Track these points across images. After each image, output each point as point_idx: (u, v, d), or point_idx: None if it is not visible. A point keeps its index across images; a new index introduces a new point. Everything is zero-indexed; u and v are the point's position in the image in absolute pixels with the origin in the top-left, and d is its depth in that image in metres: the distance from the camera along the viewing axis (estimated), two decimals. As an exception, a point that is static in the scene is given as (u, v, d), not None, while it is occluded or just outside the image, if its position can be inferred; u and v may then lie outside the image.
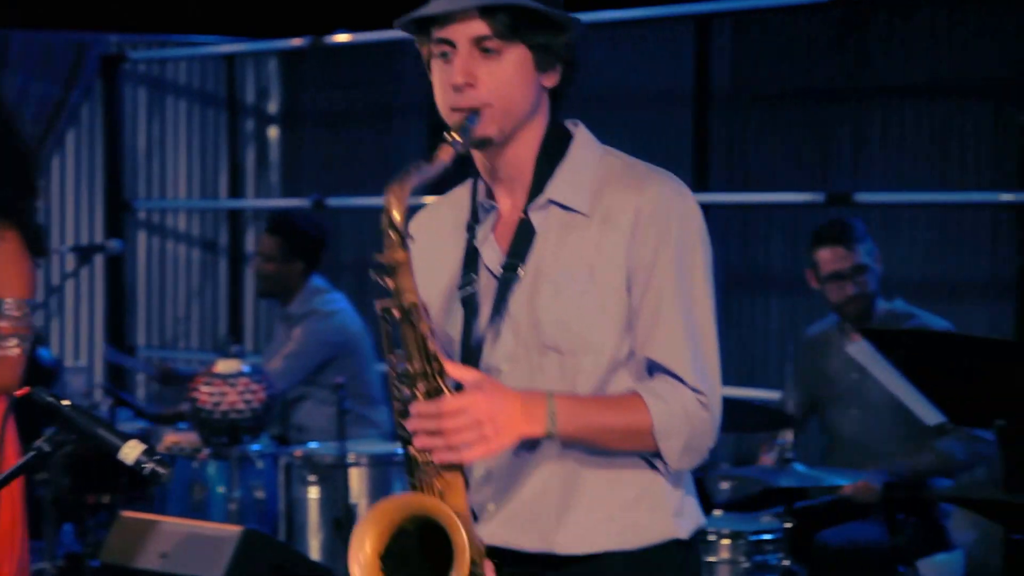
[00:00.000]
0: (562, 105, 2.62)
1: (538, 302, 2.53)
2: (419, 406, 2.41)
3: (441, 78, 2.54)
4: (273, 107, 8.52)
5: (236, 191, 8.40)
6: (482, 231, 2.62)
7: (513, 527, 2.55)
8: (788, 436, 4.81)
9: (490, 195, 2.64)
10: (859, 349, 4.24)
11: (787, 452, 4.79)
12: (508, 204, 2.61)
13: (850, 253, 5.11)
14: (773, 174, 6.63)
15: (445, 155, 2.46)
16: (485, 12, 2.50)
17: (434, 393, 2.43)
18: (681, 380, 2.49)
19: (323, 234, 6.31)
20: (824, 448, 5.36)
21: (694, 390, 2.49)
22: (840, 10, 6.45)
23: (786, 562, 4.67)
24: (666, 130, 6.78)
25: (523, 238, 2.56)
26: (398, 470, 5.50)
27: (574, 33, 2.56)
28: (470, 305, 2.58)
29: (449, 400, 2.40)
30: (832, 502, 5.00)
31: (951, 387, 4.03)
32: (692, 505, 2.60)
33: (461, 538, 2.38)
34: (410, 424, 2.41)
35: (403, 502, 2.45)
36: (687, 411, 2.48)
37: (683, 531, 2.56)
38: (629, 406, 2.48)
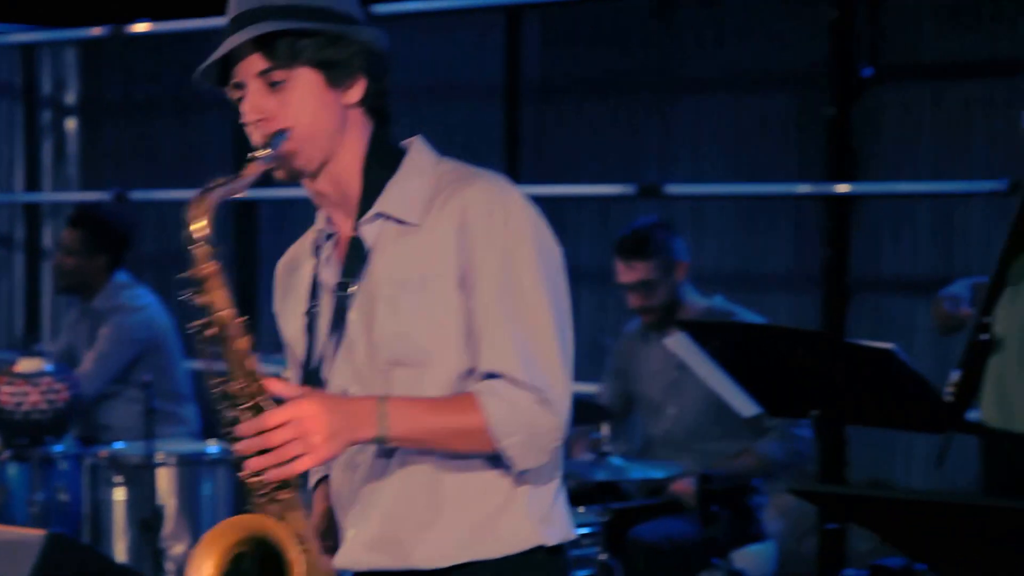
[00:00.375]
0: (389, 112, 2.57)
1: (375, 318, 2.50)
2: (242, 426, 2.37)
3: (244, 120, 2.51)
4: (71, 98, 8.30)
5: (33, 184, 8.18)
6: (325, 254, 2.59)
7: (374, 548, 2.52)
8: (604, 430, 4.82)
9: (332, 220, 2.61)
10: (677, 342, 4.27)
11: (603, 446, 4.81)
12: (346, 225, 2.57)
13: (639, 267, 5.15)
14: (584, 166, 6.66)
15: (252, 171, 2.44)
16: (262, 45, 2.45)
17: (257, 411, 2.39)
18: (516, 380, 2.45)
19: (129, 228, 6.16)
20: (641, 442, 5.39)
21: (532, 388, 2.45)
22: (648, 3, 6.49)
23: (602, 556, 4.69)
24: (477, 123, 6.77)
25: (355, 255, 2.53)
26: (207, 469, 5.41)
27: (370, 40, 2.51)
28: (310, 329, 2.56)
29: (270, 415, 2.36)
30: (650, 496, 5.04)
31: (768, 378, 4.09)
32: (561, 513, 2.58)
33: (296, 558, 2.34)
34: (238, 447, 2.37)
35: (240, 523, 2.40)
36: (523, 409, 2.44)
37: (550, 538, 2.54)
38: (463, 406, 2.45)
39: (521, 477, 2.50)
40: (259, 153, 2.45)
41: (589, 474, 4.80)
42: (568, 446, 5.28)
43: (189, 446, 5.58)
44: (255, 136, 2.49)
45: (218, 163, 6.90)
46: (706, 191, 6.34)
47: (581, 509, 4.83)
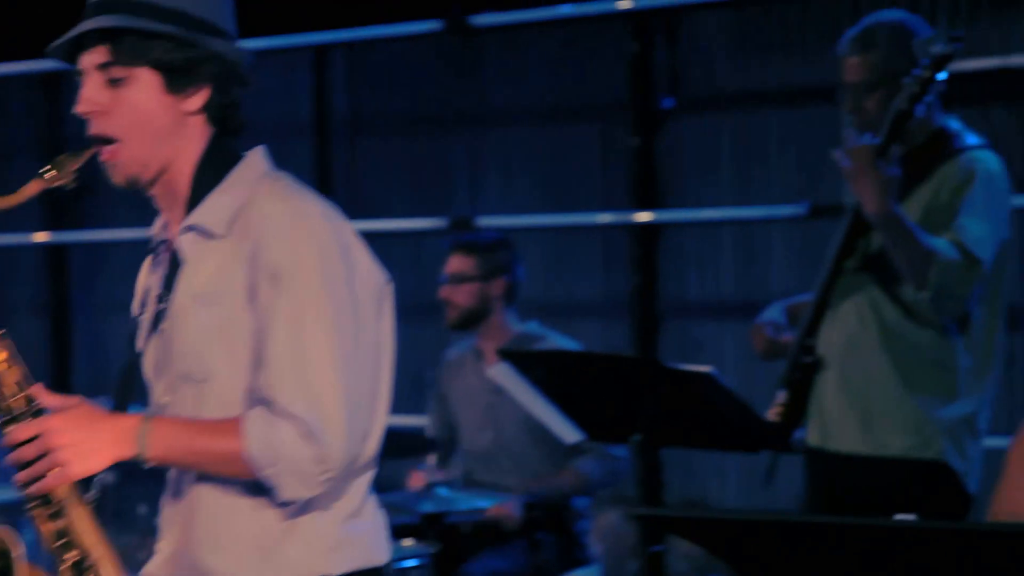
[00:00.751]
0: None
1: (176, 331, 2.48)
2: (3, 440, 2.37)
3: None
4: None
5: None
6: (158, 261, 2.58)
7: (171, 564, 2.51)
8: (431, 460, 4.87)
9: (168, 226, 2.58)
10: (499, 371, 4.32)
11: (431, 477, 4.84)
12: (175, 232, 2.54)
13: (460, 260, 5.21)
14: (395, 201, 6.71)
15: (31, 189, 2.41)
16: (109, 38, 2.43)
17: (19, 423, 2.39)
18: (283, 409, 2.38)
19: None
20: (464, 470, 5.44)
21: (297, 419, 2.37)
22: (453, 39, 6.58)
23: (433, 588, 4.71)
24: (287, 160, 6.68)
25: (172, 267, 2.51)
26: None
27: (222, 52, 2.47)
28: (131, 341, 2.55)
29: (18, 428, 2.35)
30: (475, 525, 5.08)
31: (589, 404, 4.13)
32: (357, 541, 2.52)
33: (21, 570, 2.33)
34: (6, 461, 2.37)
35: None
36: (284, 440, 2.37)
37: (336, 567, 2.49)
38: (227, 431, 2.39)
39: (306, 504, 2.45)
40: (47, 175, 2.42)
41: (416, 505, 4.82)
42: (399, 478, 5.31)
43: None
44: (90, 127, 2.46)
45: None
46: (516, 222, 6.43)
47: (408, 542, 4.85)
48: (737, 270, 6.22)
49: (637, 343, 6.30)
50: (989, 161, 3.93)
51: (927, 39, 3.87)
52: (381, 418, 2.50)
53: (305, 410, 2.36)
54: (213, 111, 2.49)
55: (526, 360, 4.29)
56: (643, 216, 6.21)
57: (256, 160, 2.55)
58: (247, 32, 6.61)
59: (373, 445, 2.49)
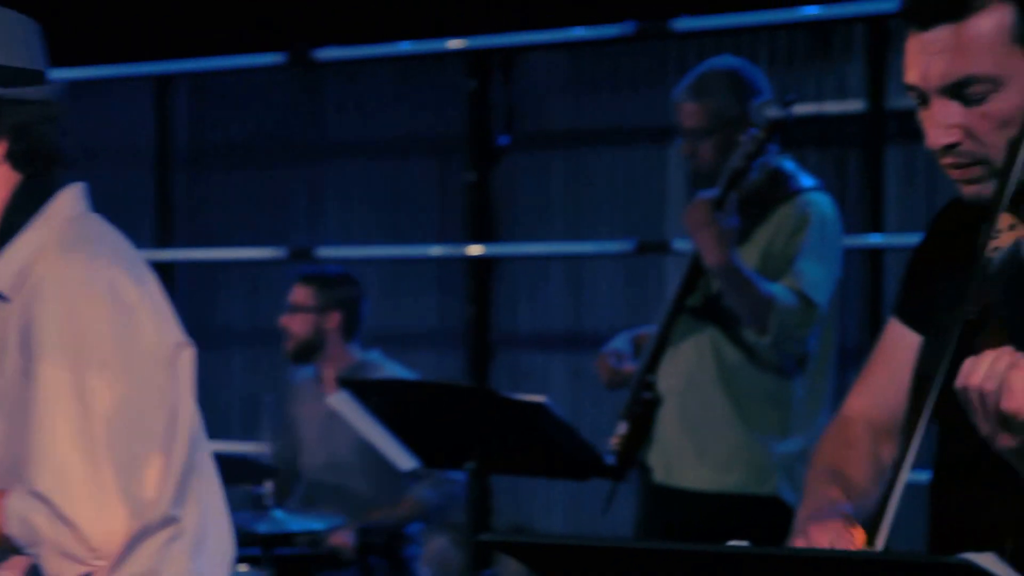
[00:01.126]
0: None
1: None
2: None
3: None
4: None
5: None
6: None
7: None
8: (268, 486, 4.91)
9: None
10: (338, 400, 4.37)
11: (267, 500, 4.89)
12: None
13: (301, 292, 5.30)
14: (235, 231, 6.74)
15: None
16: None
17: None
18: (36, 488, 2.26)
19: None
20: (302, 494, 5.49)
21: (48, 499, 2.26)
22: (295, 72, 6.66)
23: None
24: (128, 189, 6.76)
25: None
26: None
27: (21, 93, 2.35)
28: None
29: None
30: (310, 550, 5.13)
31: (425, 432, 4.24)
32: None
33: None
34: None
35: None
36: (40, 522, 2.27)
37: None
38: None
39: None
40: None
41: (251, 527, 4.84)
42: (233, 504, 5.34)
43: None
44: None
45: None
46: (355, 253, 6.49)
47: (243, 567, 4.89)
48: (566, 303, 6.33)
49: (470, 373, 6.39)
50: (823, 204, 4.06)
51: (763, 103, 4.00)
52: (173, 480, 2.35)
53: (53, 490, 2.25)
54: (16, 159, 2.36)
55: (364, 389, 4.37)
56: (477, 249, 6.31)
57: (64, 203, 2.40)
58: (88, 60, 6.65)
59: (163, 508, 2.34)
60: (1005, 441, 1.82)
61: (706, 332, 4.09)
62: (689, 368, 4.11)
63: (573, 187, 6.31)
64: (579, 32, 6.05)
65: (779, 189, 4.06)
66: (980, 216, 2.10)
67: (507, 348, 6.44)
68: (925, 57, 2.08)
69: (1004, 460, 1.93)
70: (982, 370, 1.82)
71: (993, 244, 1.99)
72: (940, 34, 2.07)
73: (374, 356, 5.38)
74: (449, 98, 6.46)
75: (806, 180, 4.12)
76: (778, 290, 3.92)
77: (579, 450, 4.08)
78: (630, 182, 6.17)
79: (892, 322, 2.35)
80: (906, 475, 1.97)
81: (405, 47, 6.35)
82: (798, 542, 2.05)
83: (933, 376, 1.99)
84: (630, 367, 4.22)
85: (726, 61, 4.27)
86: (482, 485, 6.10)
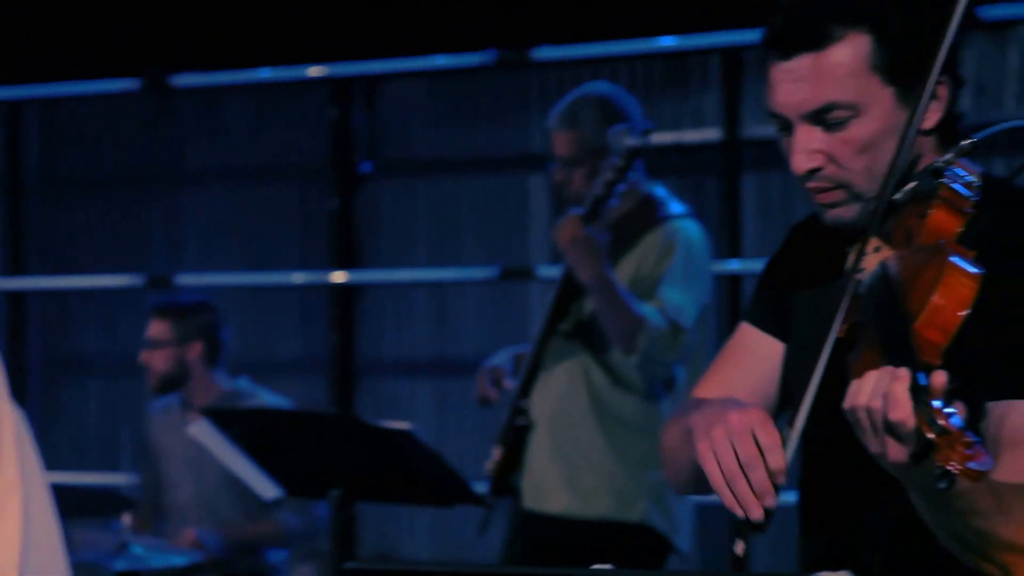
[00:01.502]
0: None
1: None
2: None
3: None
4: None
5: None
6: None
7: None
8: (126, 519, 4.84)
9: None
10: (199, 429, 4.34)
11: (124, 535, 4.82)
12: None
13: (157, 326, 5.23)
14: (92, 259, 6.65)
15: None
16: None
17: None
18: None
19: None
20: (170, 527, 5.42)
21: None
22: (152, 99, 6.58)
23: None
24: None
25: None
26: None
27: None
28: None
29: None
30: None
31: (289, 460, 4.22)
32: None
33: None
34: None
35: None
36: None
37: None
38: None
39: None
40: None
41: (109, 564, 4.78)
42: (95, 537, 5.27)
43: None
44: None
45: None
46: (215, 281, 6.44)
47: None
48: (431, 330, 6.33)
49: (335, 400, 6.37)
50: (690, 231, 4.13)
51: (620, 131, 4.05)
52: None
53: None
54: None
55: (226, 418, 4.34)
56: (340, 276, 6.28)
57: None
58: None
59: None
60: (895, 454, 1.85)
61: (577, 358, 4.15)
62: (560, 394, 4.16)
63: (437, 214, 6.32)
64: (440, 60, 6.07)
65: (648, 216, 4.13)
66: (837, 234, 2.19)
67: (372, 375, 6.43)
68: (788, 85, 2.14)
69: (872, 475, 1.98)
70: (867, 389, 1.86)
71: (861, 265, 2.05)
72: (801, 63, 2.12)
73: (243, 384, 5.32)
74: (310, 125, 6.43)
75: (676, 207, 4.18)
76: (649, 311, 3.98)
77: (445, 477, 4.10)
78: (493, 209, 6.21)
79: (744, 326, 2.39)
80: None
81: (265, 74, 6.32)
82: (718, 430, 2.03)
83: (803, 394, 2.04)
84: (509, 384, 4.25)
85: (598, 88, 4.33)
86: (348, 512, 6.17)
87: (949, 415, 1.77)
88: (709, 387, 2.38)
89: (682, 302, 4.04)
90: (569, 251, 3.98)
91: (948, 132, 2.17)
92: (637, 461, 4.13)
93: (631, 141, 4.03)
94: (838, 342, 2.03)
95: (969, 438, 1.76)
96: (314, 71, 6.23)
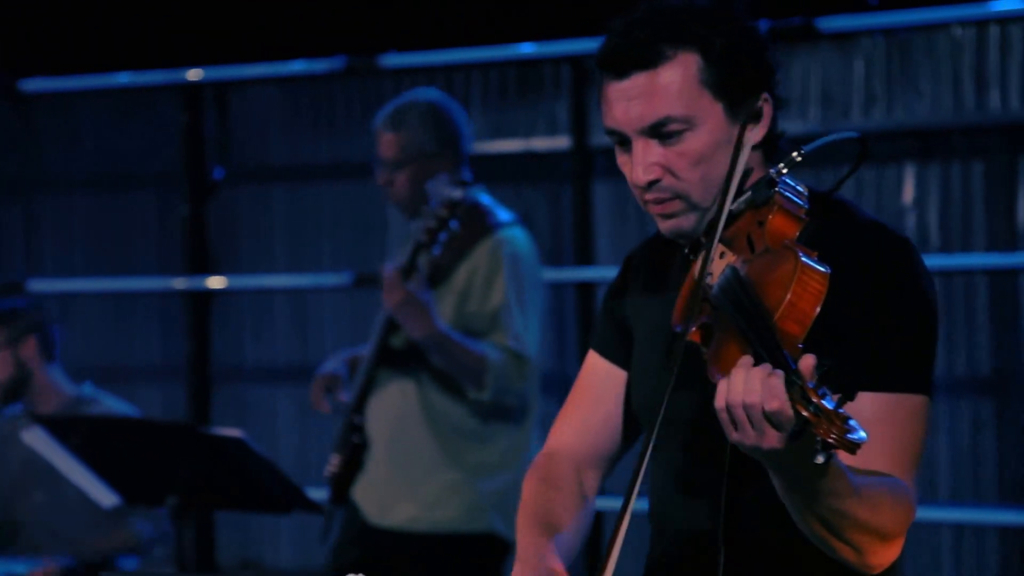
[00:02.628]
0: None
1: None
2: None
3: None
4: None
5: None
6: None
7: None
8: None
9: None
10: (34, 436, 4.30)
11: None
12: None
13: None
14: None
15: None
16: None
17: None
18: None
19: None
20: (9, 535, 5.36)
21: None
22: (4, 105, 6.52)
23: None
24: None
25: None
26: None
27: None
28: None
29: None
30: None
31: (126, 468, 4.20)
32: None
33: None
34: None
35: None
36: None
37: None
38: None
39: None
40: None
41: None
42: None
43: None
44: None
45: None
46: (70, 287, 6.40)
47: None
48: (291, 336, 6.32)
49: (192, 407, 6.34)
50: (517, 241, 4.13)
51: (442, 181, 4.01)
52: None
53: None
54: None
55: (60, 425, 4.30)
56: (195, 282, 6.26)
57: None
58: None
59: None
60: (771, 441, 1.94)
61: (410, 373, 4.15)
62: (395, 410, 4.17)
63: (294, 220, 6.30)
64: (291, 67, 6.04)
65: (477, 224, 4.12)
66: (670, 253, 2.35)
67: (232, 382, 6.40)
68: (624, 103, 2.26)
69: (718, 473, 2.17)
70: (739, 385, 1.96)
71: (709, 270, 2.17)
72: (636, 81, 2.25)
73: (88, 391, 5.28)
74: (166, 131, 6.39)
75: (503, 214, 4.18)
76: (488, 348, 4.01)
77: (278, 484, 4.07)
78: (350, 215, 6.20)
79: (591, 354, 2.52)
80: (631, 507, 2.14)
81: (120, 79, 6.26)
82: None
83: (658, 405, 2.16)
84: (344, 396, 4.25)
85: (427, 94, 4.30)
86: (204, 519, 6.14)
87: (822, 395, 1.89)
88: (568, 423, 2.50)
89: (521, 329, 4.06)
90: (398, 314, 3.99)
91: (772, 147, 2.32)
92: (478, 470, 4.14)
93: (453, 193, 3.99)
94: (692, 349, 2.15)
95: (844, 413, 1.87)
96: (167, 76, 6.19)
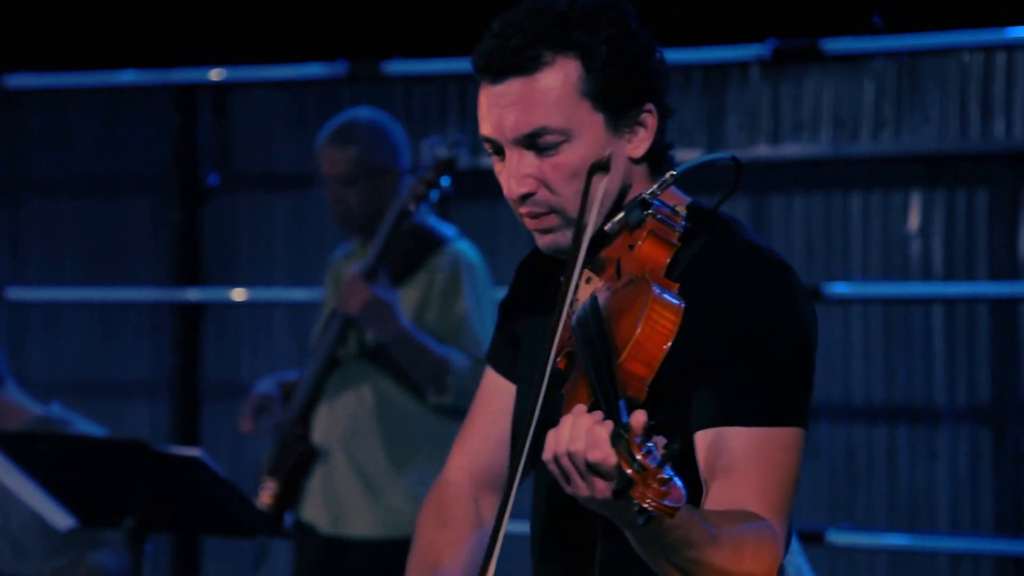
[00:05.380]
0: None
1: None
2: None
3: None
4: None
5: None
6: None
7: None
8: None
9: None
10: (-14, 457, 4.13)
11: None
12: None
13: None
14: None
15: None
16: None
17: None
18: None
19: None
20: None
21: None
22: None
23: None
24: None
25: None
26: None
27: None
28: None
29: None
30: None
31: (80, 489, 4.06)
32: None
33: None
34: None
35: None
36: None
37: None
38: None
39: None
40: None
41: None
42: None
43: None
44: None
45: None
46: (56, 296, 6.27)
47: None
48: (290, 351, 6.09)
49: (177, 426, 6.17)
50: (469, 253, 4.21)
51: (433, 144, 4.12)
52: None
53: None
54: None
55: (11, 443, 4.13)
56: (186, 294, 6.12)
57: None
58: None
59: None
60: (601, 491, 1.87)
61: (367, 380, 4.21)
62: (352, 418, 4.22)
63: (295, 229, 6.13)
64: (293, 71, 5.99)
65: (425, 239, 4.20)
66: (557, 266, 2.22)
67: (226, 399, 6.20)
68: (498, 110, 2.16)
69: (590, 516, 2.03)
70: (565, 435, 1.88)
71: (573, 296, 2.08)
72: (511, 87, 2.15)
73: (55, 411, 5.09)
74: (161, 134, 6.24)
75: (447, 229, 4.27)
76: (453, 352, 4.10)
77: (241, 506, 3.95)
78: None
79: (488, 370, 2.47)
80: (503, 531, 2.07)
81: (115, 78, 6.12)
82: None
83: (526, 429, 2.05)
84: (276, 414, 4.29)
85: (367, 112, 4.37)
86: (189, 543, 5.98)
87: (648, 452, 1.81)
88: (465, 444, 2.48)
89: (480, 333, 4.12)
90: (364, 315, 4.05)
91: (658, 161, 2.21)
92: (434, 474, 3.98)
93: (442, 152, 4.08)
94: (558, 376, 2.07)
95: (665, 475, 1.80)
96: (158, 77, 6.07)
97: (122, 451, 4.07)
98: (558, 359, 2.07)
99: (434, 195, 4.08)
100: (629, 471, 1.80)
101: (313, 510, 4.24)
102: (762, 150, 5.42)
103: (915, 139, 5.31)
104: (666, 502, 1.79)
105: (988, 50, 5.20)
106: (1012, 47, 5.17)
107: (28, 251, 6.42)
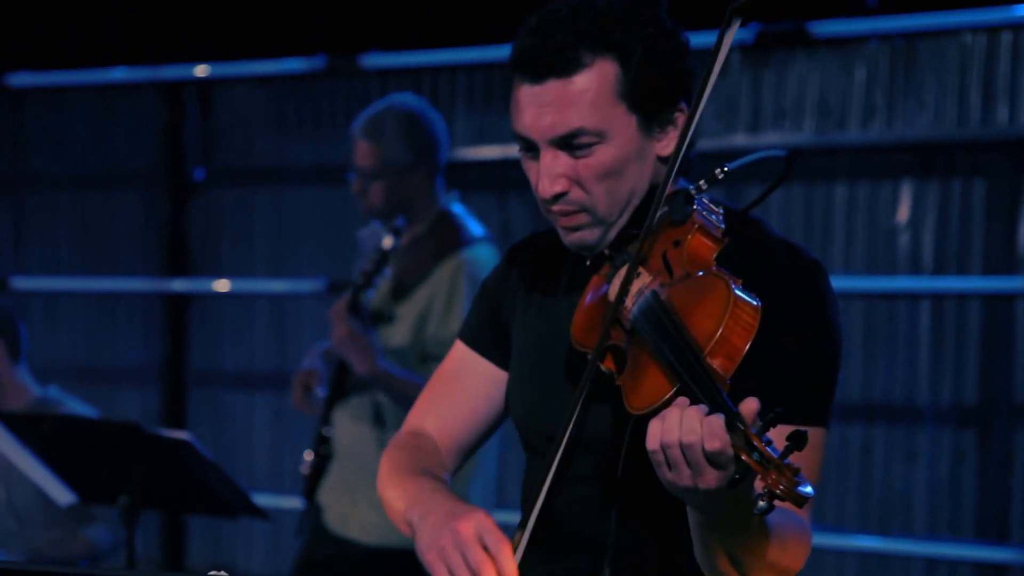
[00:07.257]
0: None
1: None
2: None
3: None
4: None
5: None
6: None
7: None
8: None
9: None
10: (-8, 433, 4.29)
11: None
12: None
13: None
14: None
15: None
16: None
17: None
18: None
19: None
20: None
21: None
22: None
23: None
24: None
25: None
26: None
27: None
28: None
29: None
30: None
31: (80, 467, 4.21)
32: None
33: None
34: None
35: None
36: None
37: None
38: None
39: None
40: None
41: None
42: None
43: None
44: None
45: None
46: (55, 286, 6.37)
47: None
48: (270, 341, 6.26)
49: (167, 411, 6.29)
50: (480, 262, 4.09)
51: (377, 229, 4.07)
52: None
53: None
54: None
55: (16, 422, 4.29)
56: (173, 284, 6.23)
57: None
58: None
59: None
60: (708, 482, 1.86)
61: (367, 391, 4.17)
62: (353, 425, 4.21)
63: (276, 223, 6.25)
64: (271, 66, 5.99)
65: (445, 238, 4.13)
66: (557, 255, 2.27)
67: (210, 386, 6.34)
68: (535, 110, 2.16)
69: (608, 498, 2.11)
70: (674, 426, 1.86)
71: (626, 296, 2.06)
72: (549, 88, 2.15)
73: (53, 392, 5.26)
74: (151, 130, 6.36)
75: (474, 228, 4.17)
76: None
77: (225, 487, 4.06)
78: (330, 220, 6.13)
79: (461, 346, 2.43)
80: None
81: (108, 75, 6.24)
82: (446, 539, 2.09)
83: (551, 425, 2.09)
84: (322, 394, 4.25)
85: (406, 101, 4.27)
86: (175, 523, 6.08)
87: (767, 442, 1.81)
88: (432, 412, 2.42)
89: None
90: (344, 352, 4.00)
91: (683, 159, 2.18)
92: None
93: (384, 243, 4.03)
94: (602, 375, 2.06)
95: (792, 464, 1.79)
96: (148, 73, 6.16)
97: (117, 433, 4.17)
98: (606, 357, 2.06)
99: (380, 277, 4.06)
100: (748, 460, 1.80)
101: (326, 501, 4.28)
102: (739, 139, 5.29)
103: (908, 127, 5.07)
104: (799, 490, 1.78)
105: (992, 30, 4.92)
106: (1019, 26, 4.90)
107: (29, 242, 6.55)
